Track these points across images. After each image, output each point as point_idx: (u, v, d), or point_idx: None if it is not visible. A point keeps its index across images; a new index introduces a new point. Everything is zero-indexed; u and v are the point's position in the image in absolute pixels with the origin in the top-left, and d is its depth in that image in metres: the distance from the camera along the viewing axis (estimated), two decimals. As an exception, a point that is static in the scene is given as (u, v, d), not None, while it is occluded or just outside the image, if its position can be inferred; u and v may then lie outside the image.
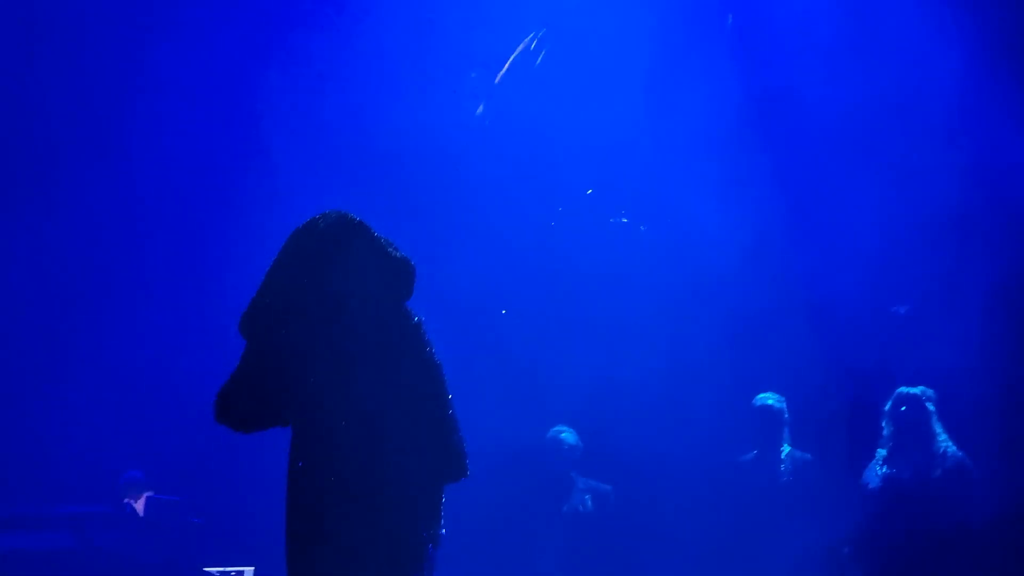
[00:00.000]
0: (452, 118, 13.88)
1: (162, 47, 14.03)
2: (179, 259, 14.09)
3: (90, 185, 14.15)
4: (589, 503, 11.38)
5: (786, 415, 11.36)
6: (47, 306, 14.21)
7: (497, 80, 13.82)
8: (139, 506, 12.57)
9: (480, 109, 13.98)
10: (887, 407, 10.47)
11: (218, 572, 11.02)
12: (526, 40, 13.71)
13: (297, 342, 6.36)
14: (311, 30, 14.08)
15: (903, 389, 10.47)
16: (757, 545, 10.97)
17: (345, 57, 13.99)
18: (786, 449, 11.30)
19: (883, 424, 10.47)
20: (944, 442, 10.32)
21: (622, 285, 13.54)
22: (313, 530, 6.30)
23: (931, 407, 10.36)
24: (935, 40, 12.81)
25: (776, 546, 10.96)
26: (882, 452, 10.46)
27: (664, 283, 13.34)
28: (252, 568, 11.15)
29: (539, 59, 13.72)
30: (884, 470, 10.40)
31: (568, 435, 11.59)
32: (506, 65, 13.69)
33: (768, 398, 11.41)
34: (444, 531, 6.47)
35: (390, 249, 6.51)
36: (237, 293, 6.90)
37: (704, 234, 13.38)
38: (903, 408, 10.37)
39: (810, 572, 10.91)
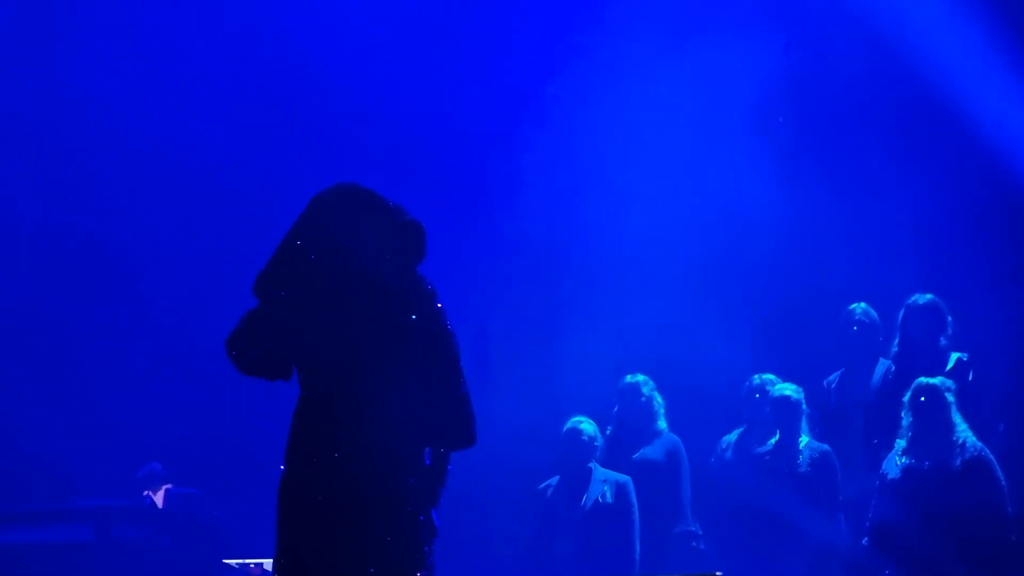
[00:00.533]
0: (479, 101, 13.91)
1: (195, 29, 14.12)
2: (202, 252, 14.10)
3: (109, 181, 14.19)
4: (609, 495, 11.35)
5: (804, 406, 11.34)
6: (61, 300, 14.21)
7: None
8: (158, 499, 12.55)
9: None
10: (906, 397, 10.44)
11: (237, 564, 11.03)
12: None
13: (305, 302, 6.45)
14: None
15: (922, 380, 10.44)
16: (775, 536, 10.95)
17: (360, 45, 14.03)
18: (804, 440, 11.28)
19: (902, 415, 10.45)
20: (963, 432, 10.28)
21: (646, 271, 13.57)
22: (307, 491, 6.34)
23: (950, 397, 10.32)
24: (976, 25, 12.80)
25: (794, 537, 10.95)
26: (901, 443, 10.44)
27: (686, 270, 13.37)
28: (271, 560, 11.14)
29: None
30: (903, 460, 10.38)
31: (587, 425, 11.57)
32: None
33: (786, 388, 11.40)
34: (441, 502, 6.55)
35: (399, 214, 6.57)
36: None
37: (734, 219, 13.40)
38: (922, 398, 10.35)
39: (828, 563, 10.90)
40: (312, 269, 6.47)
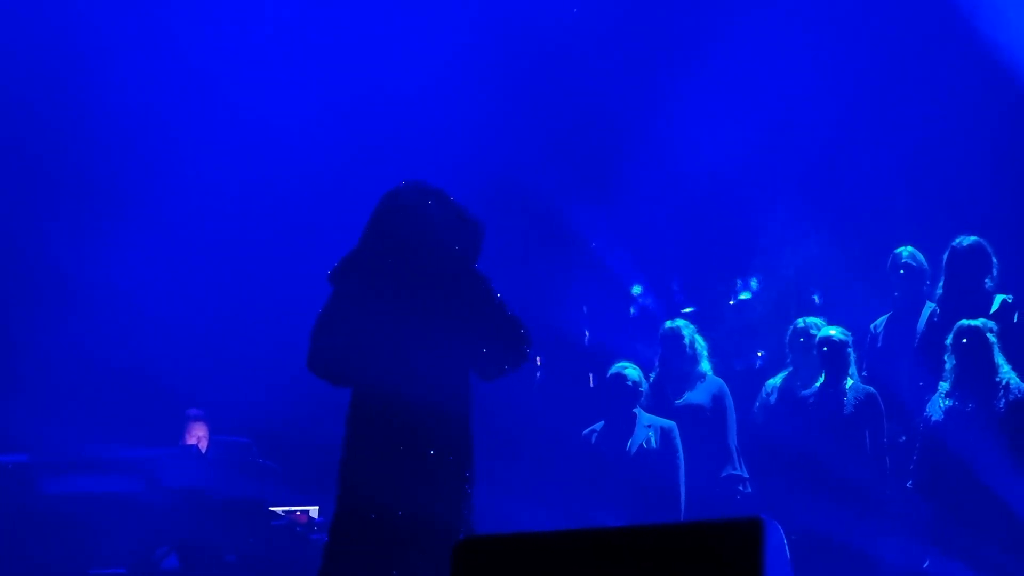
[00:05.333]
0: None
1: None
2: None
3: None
4: (654, 440, 11.35)
5: (850, 348, 11.29)
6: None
7: None
8: (202, 445, 12.54)
9: None
10: (948, 340, 10.41)
11: (283, 512, 11.12)
12: None
13: (368, 284, 7.06)
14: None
15: (964, 322, 10.40)
16: (820, 479, 10.93)
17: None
18: (849, 382, 11.24)
19: (945, 357, 10.41)
20: (1007, 373, 10.25)
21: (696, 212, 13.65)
22: (371, 441, 6.96)
23: (992, 339, 10.28)
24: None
25: (839, 480, 10.92)
26: (944, 385, 10.41)
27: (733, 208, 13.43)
28: (317, 508, 11.24)
29: None
30: (947, 403, 10.35)
31: (632, 371, 11.57)
32: None
33: (831, 330, 11.36)
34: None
35: (463, 212, 7.17)
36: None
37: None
38: (964, 340, 10.31)
39: (873, 506, 10.87)
40: (378, 256, 7.07)
